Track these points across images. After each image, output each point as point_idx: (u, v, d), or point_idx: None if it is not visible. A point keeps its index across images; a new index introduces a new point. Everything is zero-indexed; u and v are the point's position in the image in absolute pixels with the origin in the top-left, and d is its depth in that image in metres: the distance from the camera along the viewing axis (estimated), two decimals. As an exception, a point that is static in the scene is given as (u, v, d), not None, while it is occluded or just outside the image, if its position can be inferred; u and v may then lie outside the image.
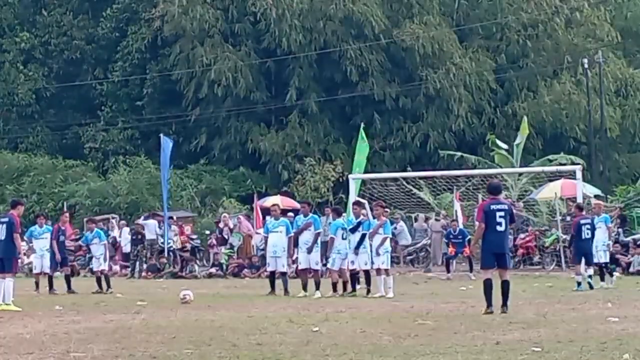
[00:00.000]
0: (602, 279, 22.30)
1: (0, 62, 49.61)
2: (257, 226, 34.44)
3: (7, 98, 49.13)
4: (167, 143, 35.40)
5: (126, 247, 33.93)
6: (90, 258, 26.64)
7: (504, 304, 15.11)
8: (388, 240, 20.95)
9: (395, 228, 33.16)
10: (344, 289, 21.01)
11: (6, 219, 18.91)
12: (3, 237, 18.61)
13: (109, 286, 24.13)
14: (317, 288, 20.73)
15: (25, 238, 25.20)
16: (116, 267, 33.92)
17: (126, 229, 34.64)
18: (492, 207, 15.23)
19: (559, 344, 11.11)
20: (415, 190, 35.67)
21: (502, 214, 15.11)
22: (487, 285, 15.17)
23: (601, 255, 22.51)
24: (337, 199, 39.89)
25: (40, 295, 23.04)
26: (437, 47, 43.54)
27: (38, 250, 24.76)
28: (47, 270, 24.72)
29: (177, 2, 44.65)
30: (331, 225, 21.27)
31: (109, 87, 48.45)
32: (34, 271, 25.25)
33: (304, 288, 21.01)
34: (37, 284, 24.34)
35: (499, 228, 15.14)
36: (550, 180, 34.11)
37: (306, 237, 21.21)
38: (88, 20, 49.75)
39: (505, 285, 15.26)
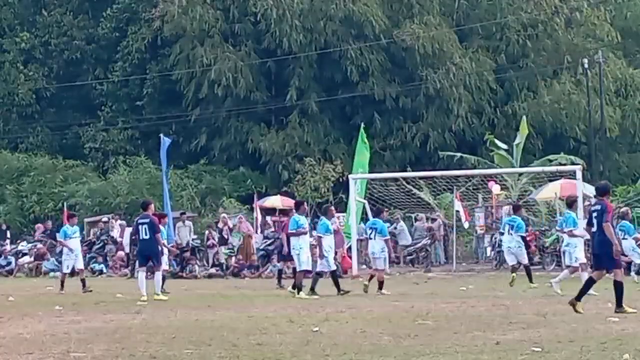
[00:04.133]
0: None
1: (0, 62, 49.62)
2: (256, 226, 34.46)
3: (7, 98, 49.13)
4: (165, 143, 35.43)
5: (126, 248, 33.98)
6: None
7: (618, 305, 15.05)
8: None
9: (395, 228, 33.25)
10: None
11: (147, 220, 20.27)
12: (147, 237, 20.12)
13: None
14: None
15: (59, 239, 24.89)
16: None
17: (127, 230, 34.65)
18: (592, 208, 15.64)
19: (559, 344, 11.12)
20: (415, 190, 35.67)
21: (595, 214, 15.32)
22: (587, 282, 15.44)
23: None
24: (337, 199, 39.87)
25: (64, 294, 22.85)
26: (437, 47, 43.52)
27: (75, 249, 24.40)
28: (81, 267, 24.75)
29: (177, 2, 44.64)
30: (323, 225, 21.48)
31: (109, 87, 48.45)
32: (65, 270, 24.55)
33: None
34: (62, 283, 23.92)
35: (592, 229, 15.43)
36: (550, 181, 34.09)
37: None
38: (88, 20, 49.75)
39: (615, 285, 15.24)
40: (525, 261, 23.32)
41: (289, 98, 44.37)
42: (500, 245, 31.22)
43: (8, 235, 39.30)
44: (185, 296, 21.69)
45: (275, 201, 38.54)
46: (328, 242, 21.31)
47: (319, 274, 21.52)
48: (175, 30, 45.34)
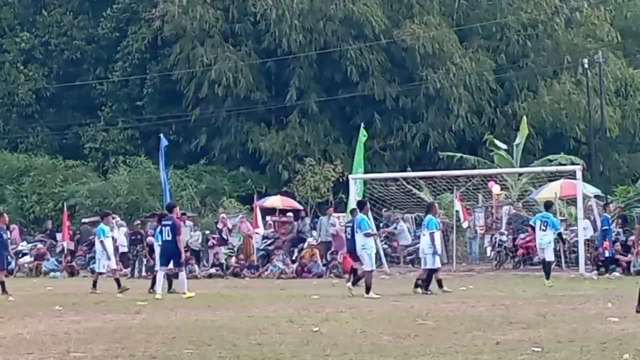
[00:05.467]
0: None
1: (0, 62, 49.63)
2: (254, 226, 34.43)
3: (7, 98, 49.13)
4: (163, 142, 35.50)
5: (123, 248, 33.97)
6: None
7: None
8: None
9: (396, 228, 33.27)
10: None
11: (170, 222, 21.18)
12: (170, 238, 21.14)
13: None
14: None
15: (100, 238, 24.73)
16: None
17: (123, 229, 34.65)
18: None
19: (559, 344, 11.12)
20: (415, 190, 35.66)
21: None
22: None
23: None
24: (337, 199, 39.89)
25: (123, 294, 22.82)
26: (437, 47, 43.51)
27: (109, 249, 24.34)
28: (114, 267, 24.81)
29: (177, 2, 44.63)
30: (430, 221, 21.60)
31: (109, 87, 48.44)
32: (99, 270, 24.66)
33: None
34: (95, 283, 24.05)
35: None
36: (550, 181, 34.09)
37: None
38: (88, 20, 49.75)
39: None
40: (550, 258, 24.40)
41: (289, 98, 44.36)
42: (500, 245, 31.31)
43: (8, 235, 39.26)
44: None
45: (275, 201, 38.54)
46: (438, 238, 21.61)
47: (434, 271, 21.65)
48: (175, 30, 45.34)
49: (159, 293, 21.02)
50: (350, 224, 25.94)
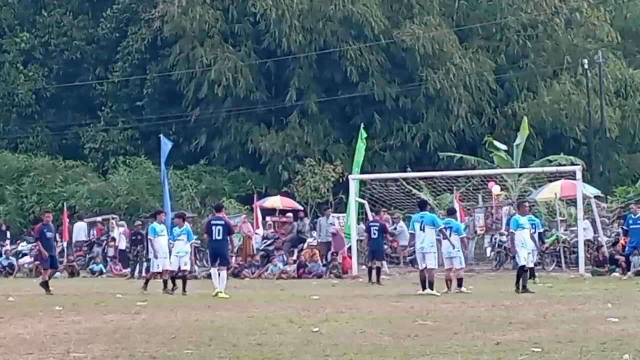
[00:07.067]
0: None
1: (0, 62, 49.63)
2: (255, 226, 34.43)
3: (7, 98, 49.15)
4: (166, 144, 35.42)
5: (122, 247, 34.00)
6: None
7: None
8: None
9: (395, 228, 33.26)
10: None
11: (222, 222, 21.67)
12: (220, 237, 21.46)
13: (184, 289, 22.86)
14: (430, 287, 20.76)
15: (150, 237, 24.23)
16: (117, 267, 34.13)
17: (121, 229, 34.63)
18: None
19: (559, 344, 11.12)
20: (415, 191, 35.66)
21: None
22: None
23: None
24: (337, 199, 39.88)
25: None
26: (437, 48, 43.55)
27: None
28: (168, 267, 24.52)
29: (177, 2, 44.66)
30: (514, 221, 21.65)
31: (109, 87, 48.46)
32: (155, 270, 24.14)
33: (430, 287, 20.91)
34: (147, 282, 23.91)
35: None
36: (550, 181, 34.09)
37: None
38: (88, 20, 49.79)
39: None
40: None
41: (289, 98, 44.38)
42: (500, 246, 31.28)
43: (8, 235, 39.28)
44: (185, 296, 21.72)
45: (275, 201, 38.55)
46: (520, 237, 21.51)
47: (523, 269, 21.54)
48: (175, 30, 45.36)
49: (218, 289, 20.95)
50: (376, 224, 26.26)
